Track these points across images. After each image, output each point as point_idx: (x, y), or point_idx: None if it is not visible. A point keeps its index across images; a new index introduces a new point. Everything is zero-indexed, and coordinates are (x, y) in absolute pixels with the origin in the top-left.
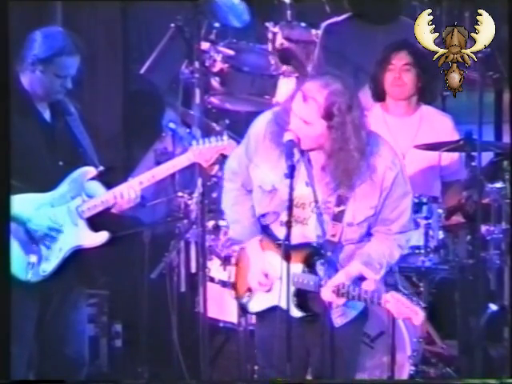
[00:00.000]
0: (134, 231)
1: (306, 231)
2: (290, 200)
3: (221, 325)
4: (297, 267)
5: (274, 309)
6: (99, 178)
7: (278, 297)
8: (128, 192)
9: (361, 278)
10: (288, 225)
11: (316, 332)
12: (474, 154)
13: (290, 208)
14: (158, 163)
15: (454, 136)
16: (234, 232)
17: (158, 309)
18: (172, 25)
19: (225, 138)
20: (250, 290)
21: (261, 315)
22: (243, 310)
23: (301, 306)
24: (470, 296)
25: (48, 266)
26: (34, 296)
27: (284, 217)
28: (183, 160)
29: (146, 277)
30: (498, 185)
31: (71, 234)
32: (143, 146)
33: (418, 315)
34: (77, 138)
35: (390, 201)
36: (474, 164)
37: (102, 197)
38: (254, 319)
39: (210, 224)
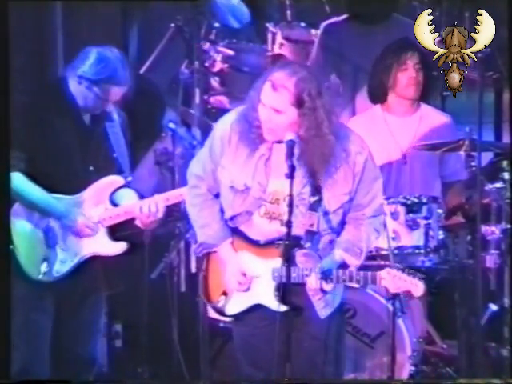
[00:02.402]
0: (134, 231)
1: (282, 227)
2: (291, 199)
3: (221, 325)
4: (276, 262)
5: (255, 307)
6: (129, 186)
7: (261, 294)
8: (152, 206)
9: (343, 265)
10: (288, 224)
11: (301, 326)
12: (473, 153)
13: (290, 207)
14: (158, 163)
15: (453, 136)
16: (206, 237)
17: (158, 309)
18: (172, 25)
19: None
20: (225, 293)
21: (240, 315)
22: (220, 314)
23: (283, 300)
24: (470, 296)
25: (62, 268)
26: (47, 295)
27: (258, 214)
28: None
29: (146, 277)
30: (498, 185)
31: (90, 241)
32: (143, 146)
33: (418, 287)
34: (111, 146)
35: (362, 186)
36: (473, 164)
37: (125, 207)
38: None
39: None
